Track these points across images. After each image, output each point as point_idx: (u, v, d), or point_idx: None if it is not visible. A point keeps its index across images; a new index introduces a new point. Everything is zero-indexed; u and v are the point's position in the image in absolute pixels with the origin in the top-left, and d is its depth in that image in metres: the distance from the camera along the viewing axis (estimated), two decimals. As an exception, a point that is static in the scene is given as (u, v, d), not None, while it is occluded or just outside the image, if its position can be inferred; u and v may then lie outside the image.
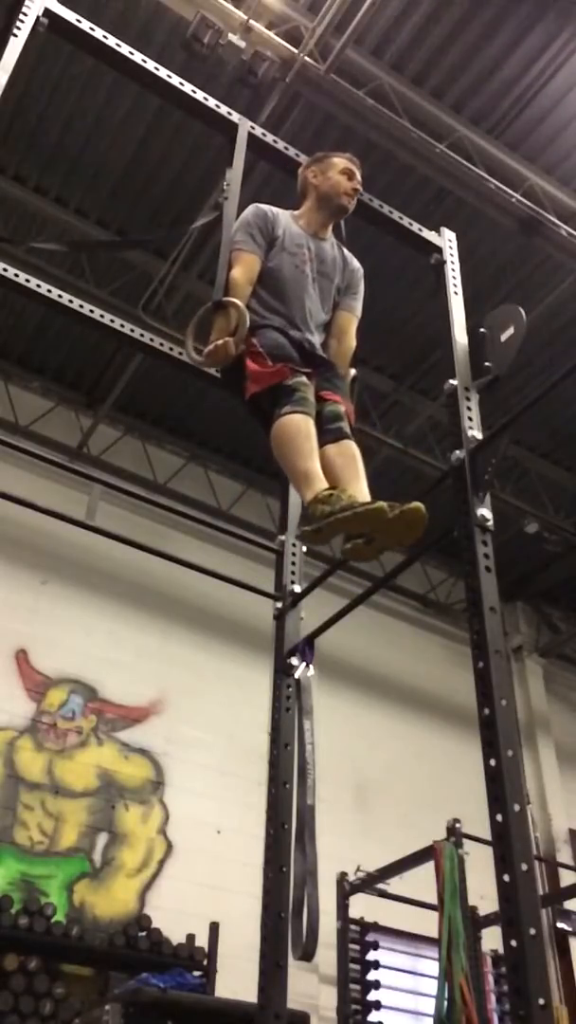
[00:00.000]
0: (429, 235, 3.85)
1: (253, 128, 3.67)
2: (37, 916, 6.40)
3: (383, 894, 7.01)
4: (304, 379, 2.85)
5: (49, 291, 3.46)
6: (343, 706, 8.89)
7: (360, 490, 2.75)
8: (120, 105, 7.08)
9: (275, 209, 3.27)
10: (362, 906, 7.06)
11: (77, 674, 7.90)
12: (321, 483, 2.66)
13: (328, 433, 2.87)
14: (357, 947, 6.92)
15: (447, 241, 3.85)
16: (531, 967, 2.13)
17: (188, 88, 3.59)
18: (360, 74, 6.74)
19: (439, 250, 3.82)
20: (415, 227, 3.86)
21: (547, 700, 10.91)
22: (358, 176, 3.41)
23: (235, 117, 3.63)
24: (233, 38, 6.26)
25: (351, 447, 2.86)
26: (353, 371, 3.25)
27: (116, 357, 8.61)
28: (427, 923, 5.99)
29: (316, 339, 3.15)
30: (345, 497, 2.55)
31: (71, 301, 3.51)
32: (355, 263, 3.40)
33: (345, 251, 3.40)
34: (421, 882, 6.14)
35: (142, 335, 3.64)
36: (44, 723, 7.56)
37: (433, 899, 5.35)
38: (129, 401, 9.18)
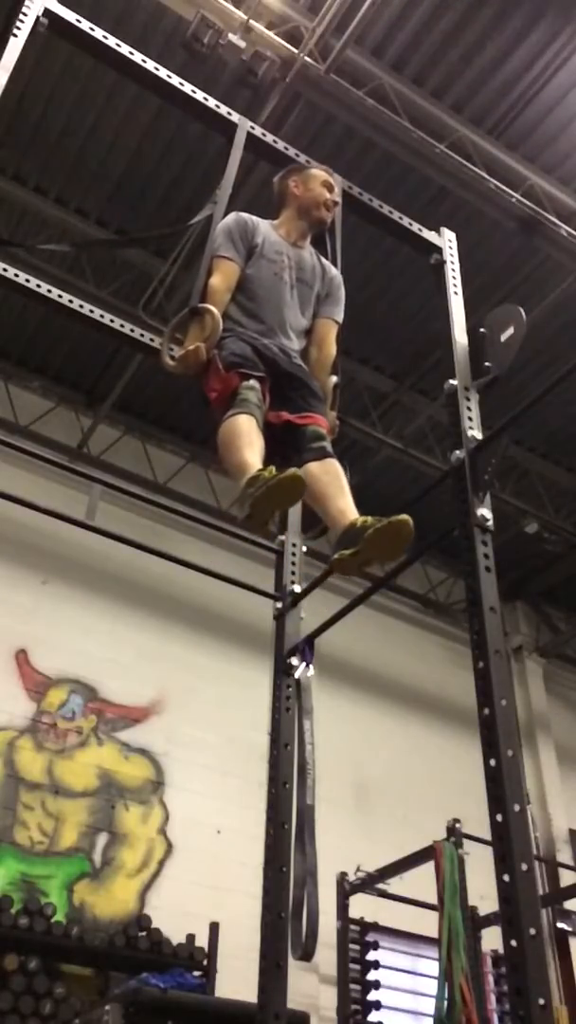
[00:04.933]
0: (429, 235, 3.86)
1: (253, 128, 3.67)
2: (37, 916, 6.40)
3: (383, 894, 7.01)
4: (253, 383, 2.83)
5: (49, 291, 3.46)
6: (343, 706, 8.89)
7: (346, 504, 2.74)
8: (120, 105, 7.08)
9: (255, 218, 3.29)
10: (362, 906, 7.06)
11: (77, 674, 7.90)
12: (252, 470, 2.61)
13: (311, 452, 2.87)
14: (357, 947, 6.92)
15: (447, 241, 3.86)
16: (531, 967, 2.14)
17: (188, 88, 3.59)
18: (360, 74, 6.74)
19: (439, 250, 3.82)
20: (415, 227, 3.87)
21: (547, 700, 10.90)
22: (337, 190, 3.45)
23: (235, 117, 3.63)
24: (233, 38, 6.26)
25: (334, 465, 2.86)
26: (335, 378, 3.23)
27: (116, 357, 8.61)
28: (427, 923, 5.99)
29: (295, 345, 3.15)
30: (266, 474, 2.51)
31: (71, 301, 3.51)
32: (333, 271, 3.39)
33: (323, 260, 3.40)
34: (421, 882, 6.13)
35: (142, 335, 3.64)
36: (44, 723, 7.56)
37: (433, 899, 5.35)
38: (129, 401, 9.18)
